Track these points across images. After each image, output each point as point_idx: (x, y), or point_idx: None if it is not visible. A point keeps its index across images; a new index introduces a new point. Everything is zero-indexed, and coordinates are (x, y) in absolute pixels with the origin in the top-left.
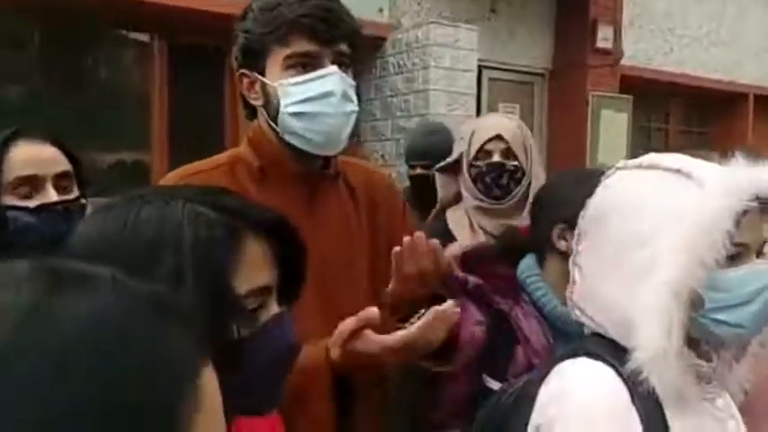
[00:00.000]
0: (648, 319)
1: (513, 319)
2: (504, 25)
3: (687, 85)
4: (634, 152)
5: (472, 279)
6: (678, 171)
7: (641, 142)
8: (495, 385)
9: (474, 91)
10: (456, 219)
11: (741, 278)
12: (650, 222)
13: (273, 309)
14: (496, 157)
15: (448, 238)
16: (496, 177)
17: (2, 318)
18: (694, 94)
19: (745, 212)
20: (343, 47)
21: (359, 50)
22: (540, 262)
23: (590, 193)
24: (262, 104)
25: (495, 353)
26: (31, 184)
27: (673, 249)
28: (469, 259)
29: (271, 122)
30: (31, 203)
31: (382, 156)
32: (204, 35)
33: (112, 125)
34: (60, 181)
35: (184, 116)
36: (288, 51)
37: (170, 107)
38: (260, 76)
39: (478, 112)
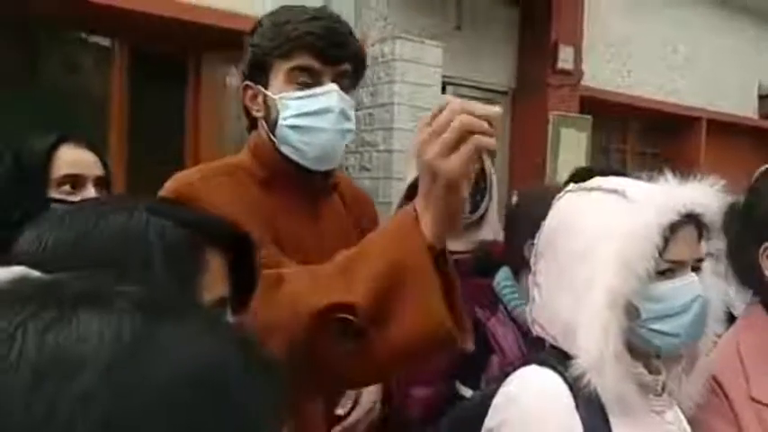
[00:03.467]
0: (587, 326)
1: (488, 328)
2: (469, 43)
3: (644, 107)
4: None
5: None
6: (615, 191)
7: (600, 162)
8: (467, 393)
9: None
10: None
11: (675, 290)
12: (590, 239)
13: (228, 319)
14: (471, 175)
15: None
16: (472, 194)
17: (102, 348)
18: (650, 117)
19: (674, 228)
20: (346, 66)
21: (362, 72)
22: (516, 275)
23: None
24: (263, 116)
25: (469, 361)
26: (76, 182)
27: (607, 262)
28: None
29: (270, 134)
30: (74, 198)
31: (346, 168)
32: (166, 42)
33: (70, 130)
34: (98, 184)
35: (143, 123)
36: (290, 65)
37: (129, 114)
38: (263, 89)
39: None
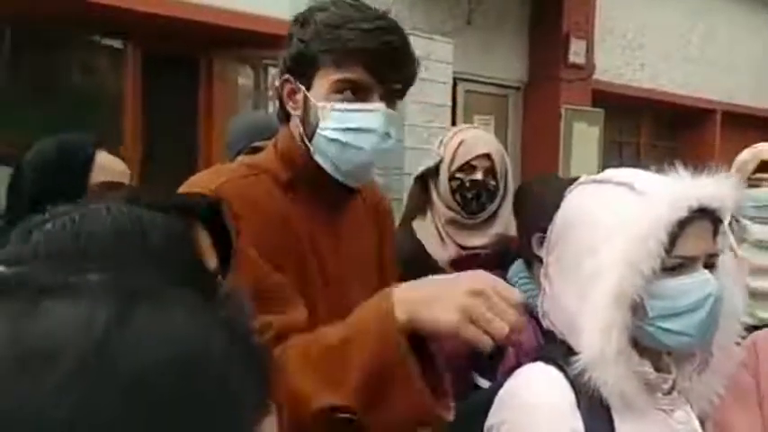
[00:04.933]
0: (591, 322)
1: None
2: (480, 38)
3: (657, 100)
4: (606, 165)
5: None
6: (626, 184)
7: (613, 155)
8: (484, 384)
9: (449, 103)
10: (425, 230)
11: (685, 287)
12: (599, 233)
13: (224, 288)
14: (479, 175)
15: (418, 248)
16: (477, 194)
17: (80, 333)
18: (664, 110)
19: (683, 224)
20: (397, 85)
21: (410, 86)
22: (529, 268)
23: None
24: (299, 116)
25: (486, 352)
26: (113, 189)
27: (613, 258)
28: (463, 264)
29: (305, 138)
30: None
31: None
32: (179, 43)
33: (84, 132)
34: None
35: (157, 124)
36: (340, 75)
37: (143, 115)
38: (304, 89)
39: (453, 124)
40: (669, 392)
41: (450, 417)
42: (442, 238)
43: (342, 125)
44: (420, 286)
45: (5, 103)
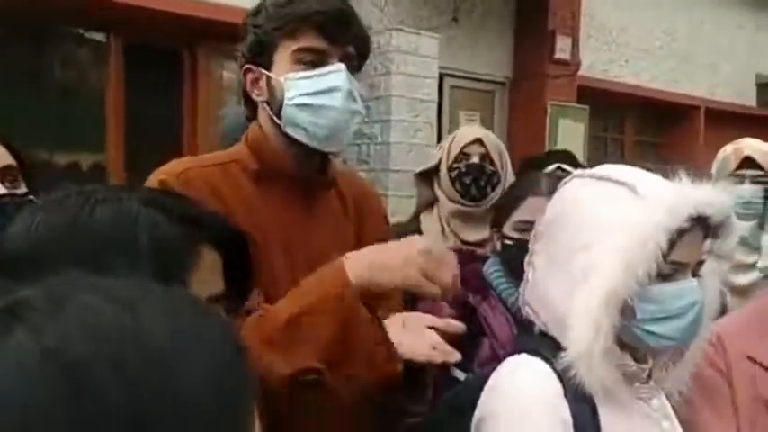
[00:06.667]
0: (579, 319)
1: (480, 312)
2: (466, 34)
3: (642, 96)
4: (590, 161)
5: None
6: (625, 184)
7: (597, 151)
8: (460, 375)
9: (435, 98)
10: (429, 223)
11: (673, 293)
12: (594, 230)
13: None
14: (475, 160)
15: None
16: (476, 179)
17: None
18: (648, 106)
19: (682, 232)
20: (351, 49)
21: (366, 55)
22: (503, 262)
23: (508, 201)
24: (265, 100)
25: (462, 344)
26: None
27: (609, 258)
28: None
29: (273, 117)
30: None
31: (344, 161)
32: (161, 35)
33: (67, 125)
34: (6, 175)
35: (140, 117)
36: (296, 46)
37: (126, 108)
38: (266, 72)
39: (439, 119)
40: (646, 381)
41: (399, 368)
42: (443, 231)
43: (308, 90)
44: (372, 251)
45: None
